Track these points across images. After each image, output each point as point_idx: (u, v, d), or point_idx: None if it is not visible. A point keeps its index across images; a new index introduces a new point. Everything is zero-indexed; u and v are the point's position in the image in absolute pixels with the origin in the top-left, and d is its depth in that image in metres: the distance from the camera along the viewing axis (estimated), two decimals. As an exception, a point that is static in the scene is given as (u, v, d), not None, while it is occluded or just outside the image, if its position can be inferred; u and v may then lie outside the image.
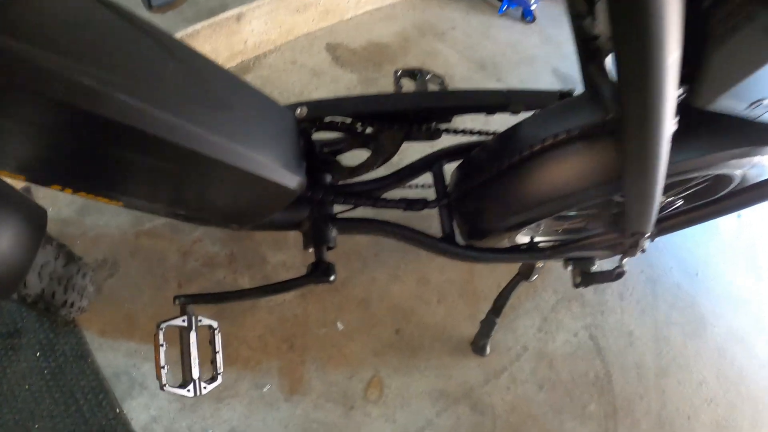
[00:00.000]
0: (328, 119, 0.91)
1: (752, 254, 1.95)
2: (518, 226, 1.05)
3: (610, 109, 0.77)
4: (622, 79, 0.59)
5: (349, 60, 2.04)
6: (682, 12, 0.48)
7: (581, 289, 1.53)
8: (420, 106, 0.97)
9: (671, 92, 0.56)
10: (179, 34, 1.64)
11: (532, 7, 2.49)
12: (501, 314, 1.40)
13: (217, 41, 1.81)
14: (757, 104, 0.69)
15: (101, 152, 0.65)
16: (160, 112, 0.59)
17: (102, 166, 0.69)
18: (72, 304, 1.18)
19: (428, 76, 1.15)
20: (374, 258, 1.56)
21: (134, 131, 0.58)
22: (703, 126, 0.82)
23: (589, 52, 0.78)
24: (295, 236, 1.53)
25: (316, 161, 1.01)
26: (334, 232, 1.01)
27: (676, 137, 0.66)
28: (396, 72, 1.14)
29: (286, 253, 1.51)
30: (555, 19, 2.49)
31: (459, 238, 1.12)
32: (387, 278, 1.54)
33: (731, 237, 1.98)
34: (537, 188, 0.93)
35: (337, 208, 1.06)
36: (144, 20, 0.65)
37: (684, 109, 0.68)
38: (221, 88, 0.73)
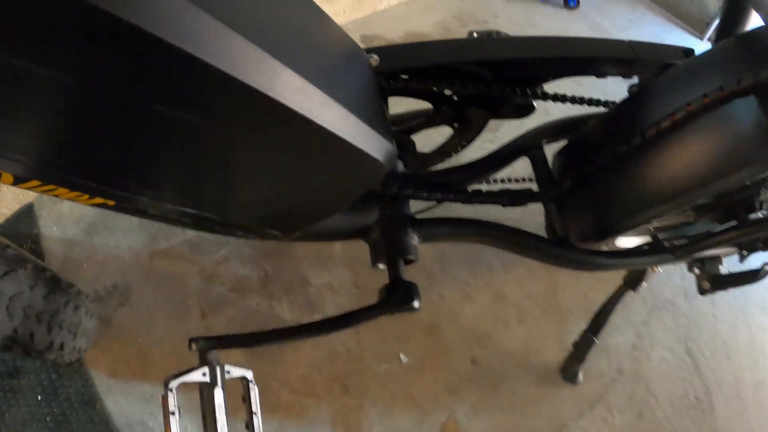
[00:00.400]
0: (404, 76, 0.68)
1: None
2: (644, 222, 0.82)
3: None
4: None
5: (387, 53, 1.87)
6: None
7: (672, 298, 1.46)
8: (510, 56, 0.75)
9: None
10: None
11: None
12: (600, 333, 1.21)
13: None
14: None
15: (134, 118, 0.41)
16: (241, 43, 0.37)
17: (128, 148, 0.46)
18: (62, 346, 0.97)
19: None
20: (441, 272, 1.35)
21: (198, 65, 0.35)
22: None
23: None
24: (342, 250, 1.32)
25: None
26: (415, 240, 0.76)
27: None
28: (470, 33, 0.90)
29: (332, 272, 1.30)
30: (598, 5, 2.41)
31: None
32: (457, 297, 1.33)
33: None
34: (685, 169, 0.71)
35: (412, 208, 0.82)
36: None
37: None
38: (302, 15, 0.50)
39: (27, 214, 1.26)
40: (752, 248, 1.00)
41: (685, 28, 2.61)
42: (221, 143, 0.45)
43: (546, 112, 0.94)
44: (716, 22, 2.49)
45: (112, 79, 0.35)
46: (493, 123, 0.86)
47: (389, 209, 0.76)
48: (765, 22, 0.68)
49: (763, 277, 0.98)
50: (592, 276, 1.29)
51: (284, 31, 0.46)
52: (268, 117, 0.42)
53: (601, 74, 0.83)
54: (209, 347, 0.70)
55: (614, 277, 1.18)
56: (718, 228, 0.96)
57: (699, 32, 2.56)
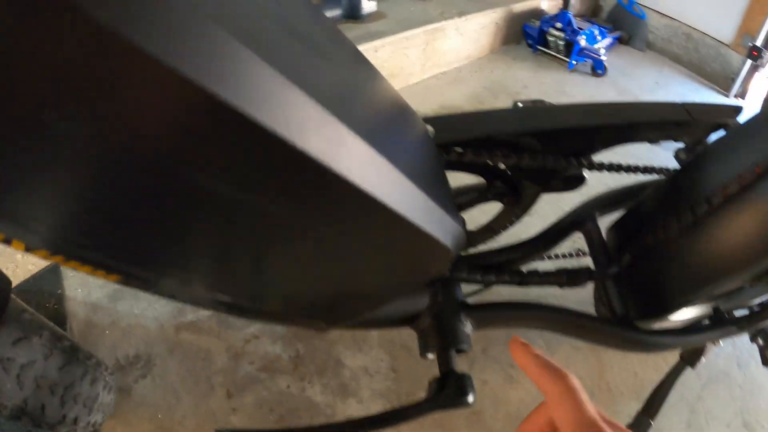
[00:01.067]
0: (458, 149, 0.63)
1: None
2: (712, 299, 0.76)
3: None
4: None
5: (426, 123, 1.86)
6: None
7: (726, 369, 1.38)
8: (563, 125, 0.69)
9: None
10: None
11: (603, 58, 2.41)
12: (657, 415, 1.08)
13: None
14: None
15: (171, 193, 0.34)
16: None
17: (154, 224, 0.38)
18: (75, 421, 0.88)
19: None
20: (482, 355, 1.24)
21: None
22: None
23: None
24: (379, 332, 1.22)
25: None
26: (468, 327, 0.69)
27: None
28: (515, 103, 0.87)
29: (367, 354, 1.20)
30: (625, 70, 2.44)
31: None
32: (501, 380, 1.22)
33: None
34: (757, 235, 0.63)
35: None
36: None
37: None
38: (375, 96, 0.45)
39: (53, 272, 1.22)
40: None
41: (711, 86, 2.62)
42: (265, 221, 0.38)
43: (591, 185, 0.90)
44: (741, 78, 2.49)
45: (181, 154, 0.30)
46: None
47: (441, 295, 0.68)
48: None
49: None
50: (641, 354, 1.19)
51: (352, 97, 0.42)
52: (330, 194, 0.36)
53: (653, 140, 0.77)
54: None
55: (665, 354, 1.09)
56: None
57: (725, 89, 2.57)
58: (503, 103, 2.03)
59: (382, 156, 0.36)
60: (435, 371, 0.66)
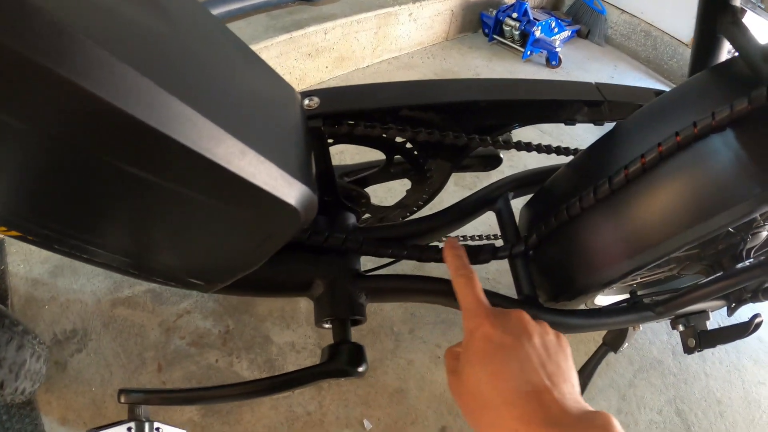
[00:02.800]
0: (349, 122, 0.63)
1: None
2: (617, 279, 0.73)
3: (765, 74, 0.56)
4: None
5: (365, 110, 1.86)
6: None
7: (660, 356, 1.43)
8: (469, 98, 0.69)
9: None
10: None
11: (558, 50, 2.46)
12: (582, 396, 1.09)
13: (224, 86, 1.64)
14: None
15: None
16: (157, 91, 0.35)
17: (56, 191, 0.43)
18: (2, 386, 0.90)
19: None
20: (410, 335, 1.28)
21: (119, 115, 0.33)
22: None
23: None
24: (308, 309, 1.25)
25: (334, 193, 0.72)
26: (362, 298, 0.70)
27: None
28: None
29: (296, 331, 1.23)
30: (581, 63, 2.48)
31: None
32: (427, 361, 1.25)
33: None
34: (658, 218, 0.63)
35: (364, 265, 0.76)
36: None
37: None
38: (231, 59, 0.48)
39: (-4, 248, 1.22)
40: (740, 300, 0.96)
41: (666, 82, 2.68)
42: (124, 188, 0.41)
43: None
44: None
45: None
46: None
47: (335, 264, 0.70)
48: (738, 52, 0.64)
49: (753, 330, 0.94)
50: (572, 336, 1.22)
51: (206, 76, 0.43)
52: (170, 158, 0.38)
53: (570, 121, 0.77)
54: (139, 401, 0.63)
55: (596, 337, 1.12)
56: (704, 281, 0.89)
57: (680, 86, 2.63)
58: None
59: (211, 120, 0.38)
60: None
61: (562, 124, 0.78)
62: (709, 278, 0.90)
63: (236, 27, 1.71)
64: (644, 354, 1.43)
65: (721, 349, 1.50)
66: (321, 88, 0.63)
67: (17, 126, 0.33)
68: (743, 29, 0.67)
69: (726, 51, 0.77)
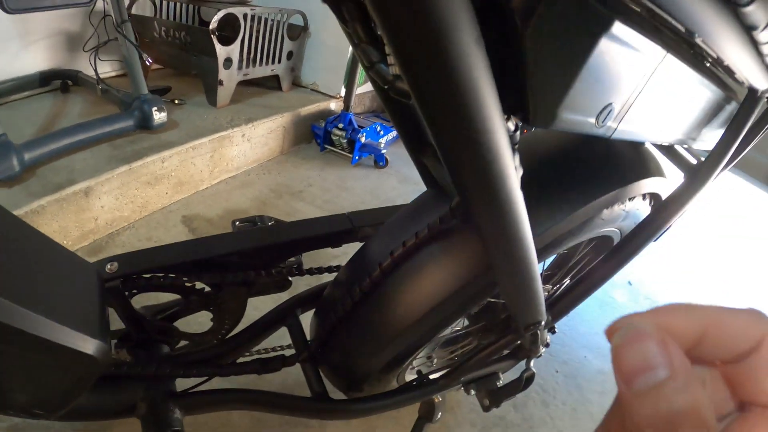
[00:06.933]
0: (147, 276, 0.77)
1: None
2: (397, 362, 0.91)
3: (454, 193, 0.70)
4: (444, 153, 0.50)
5: (206, 230, 1.96)
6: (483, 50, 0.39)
7: (501, 413, 1.44)
8: (258, 245, 0.86)
9: (503, 141, 0.47)
10: (23, 210, 1.51)
11: (383, 152, 2.67)
12: None
13: (66, 219, 1.67)
14: (605, 114, 0.57)
15: None
16: None
17: None
18: None
19: (270, 222, 1.05)
20: None
21: None
22: (557, 186, 0.77)
23: (414, 139, 0.75)
24: None
25: (146, 331, 0.85)
26: (177, 413, 0.83)
27: (534, 206, 0.59)
28: (233, 222, 1.03)
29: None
30: (408, 161, 2.61)
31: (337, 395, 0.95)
32: None
33: (629, 304, 2.06)
34: (400, 309, 0.80)
35: (184, 385, 0.88)
36: None
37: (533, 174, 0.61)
38: (14, 245, 0.60)
39: None
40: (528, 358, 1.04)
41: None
42: None
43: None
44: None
45: None
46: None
47: (151, 388, 0.82)
48: (437, 180, 0.83)
49: (527, 382, 1.02)
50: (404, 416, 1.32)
51: (10, 268, 0.56)
52: None
53: (335, 245, 0.94)
54: None
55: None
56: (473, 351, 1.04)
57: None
58: (285, 202, 2.22)
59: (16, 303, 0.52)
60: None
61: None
62: (476, 347, 1.08)
63: (81, 157, 1.79)
64: (485, 415, 1.46)
65: (562, 391, 1.59)
66: (122, 253, 0.77)
67: None
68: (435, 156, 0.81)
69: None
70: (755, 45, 0.52)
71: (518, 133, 0.52)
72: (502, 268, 0.66)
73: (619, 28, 0.46)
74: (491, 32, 0.40)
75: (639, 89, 0.56)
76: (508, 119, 0.49)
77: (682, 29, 0.46)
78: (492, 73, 0.41)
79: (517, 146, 0.53)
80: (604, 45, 0.46)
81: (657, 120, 0.68)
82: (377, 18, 0.36)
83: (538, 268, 0.67)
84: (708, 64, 0.59)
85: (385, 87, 0.56)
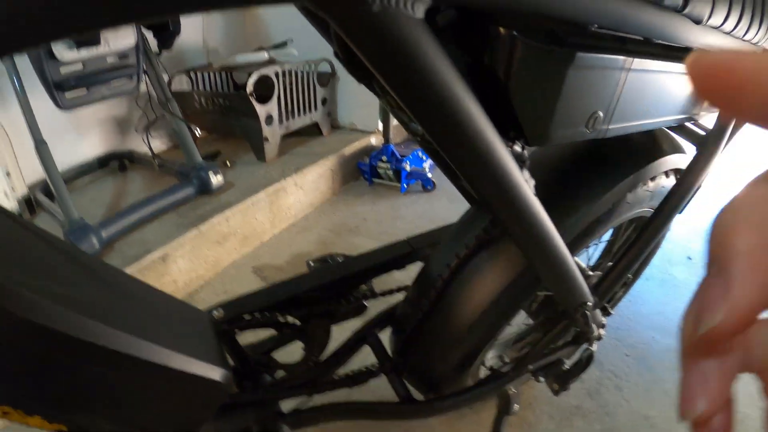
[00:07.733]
0: (247, 316, 0.91)
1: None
2: (468, 360, 1.03)
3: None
4: (467, 179, 0.62)
5: (276, 277, 2.09)
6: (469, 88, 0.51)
7: (577, 402, 1.48)
8: (334, 278, 0.99)
9: (510, 164, 0.59)
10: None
11: (429, 175, 2.74)
12: None
13: (149, 283, 1.85)
14: (593, 121, 0.66)
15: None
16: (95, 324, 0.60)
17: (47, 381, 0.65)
18: None
19: (340, 259, 1.19)
20: None
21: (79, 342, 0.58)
22: (576, 184, 0.89)
23: (449, 168, 0.84)
24: None
25: (250, 365, 0.99)
26: (286, 430, 0.97)
27: (558, 204, 0.71)
28: (308, 262, 1.18)
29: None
30: None
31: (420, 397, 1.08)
32: None
33: (691, 279, 2.02)
34: (462, 311, 0.93)
35: (287, 407, 1.03)
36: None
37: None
38: (143, 299, 0.75)
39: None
40: (578, 342, 1.12)
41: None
42: (106, 380, 0.65)
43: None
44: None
45: None
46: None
47: (262, 410, 0.97)
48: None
49: (588, 361, 1.11)
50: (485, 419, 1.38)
51: (139, 312, 0.71)
52: (125, 365, 0.64)
53: (400, 267, 1.06)
54: None
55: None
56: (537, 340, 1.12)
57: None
58: (344, 239, 2.33)
59: (150, 341, 0.65)
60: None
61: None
62: (539, 336, 1.17)
63: (151, 229, 1.98)
64: (562, 406, 1.50)
65: (634, 373, 1.60)
66: (226, 301, 0.92)
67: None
68: None
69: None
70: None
71: (525, 151, 0.65)
72: (537, 262, 0.78)
73: (582, 55, 0.59)
74: (486, 85, 0.54)
75: (618, 91, 0.68)
76: (514, 144, 0.62)
77: (640, 38, 0.59)
78: (488, 117, 0.55)
79: (527, 162, 0.65)
80: (573, 71, 0.59)
81: (648, 108, 0.78)
82: (396, 98, 0.50)
83: (569, 254, 0.78)
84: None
85: (418, 138, 0.71)
